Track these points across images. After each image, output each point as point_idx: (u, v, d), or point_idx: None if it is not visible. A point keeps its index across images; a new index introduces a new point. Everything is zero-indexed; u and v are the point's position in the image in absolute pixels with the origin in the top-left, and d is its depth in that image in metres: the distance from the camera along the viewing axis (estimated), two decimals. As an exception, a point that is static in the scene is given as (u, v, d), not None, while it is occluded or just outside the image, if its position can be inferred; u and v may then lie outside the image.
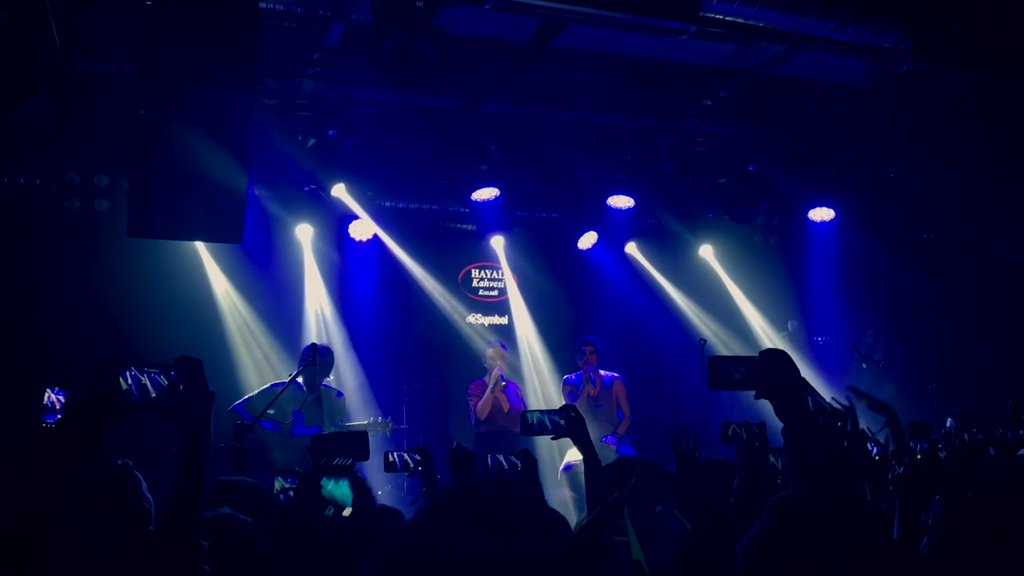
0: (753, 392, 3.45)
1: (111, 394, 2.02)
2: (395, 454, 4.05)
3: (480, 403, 7.95)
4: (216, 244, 8.09)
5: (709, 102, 8.82)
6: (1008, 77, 7.30)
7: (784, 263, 10.39)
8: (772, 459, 4.57)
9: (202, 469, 2.10)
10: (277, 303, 8.71)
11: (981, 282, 9.47)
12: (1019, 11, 6.92)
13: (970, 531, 3.28)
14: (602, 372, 8.13)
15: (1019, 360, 8.35)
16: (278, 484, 3.30)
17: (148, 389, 2.09)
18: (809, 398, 2.66)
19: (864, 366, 8.93)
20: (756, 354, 2.24)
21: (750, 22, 6.49)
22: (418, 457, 4.00)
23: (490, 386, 7.92)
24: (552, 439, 3.73)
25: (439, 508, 1.43)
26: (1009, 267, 9.25)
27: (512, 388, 8.07)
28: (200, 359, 2.15)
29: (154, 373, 2.11)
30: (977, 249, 9.48)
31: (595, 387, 8.04)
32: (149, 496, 3.99)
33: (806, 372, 9.83)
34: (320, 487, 2.45)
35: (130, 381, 2.07)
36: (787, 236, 10.36)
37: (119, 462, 4.20)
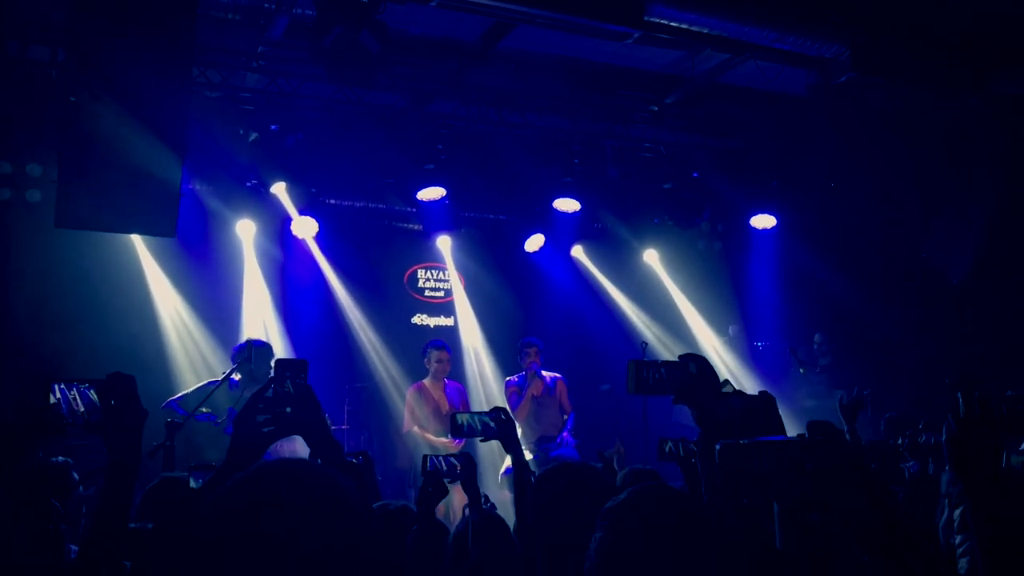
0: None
1: (43, 411, 1.91)
2: None
3: (426, 434, 7.62)
4: (153, 239, 7.89)
5: (655, 108, 8.90)
6: (939, 92, 7.52)
7: (726, 269, 10.52)
8: None
9: (129, 490, 2.00)
10: (215, 300, 8.52)
11: (916, 289, 9.71)
12: (952, 31, 7.14)
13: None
14: (544, 373, 8.10)
15: (950, 364, 8.56)
16: (193, 484, 3.09)
17: (77, 404, 1.97)
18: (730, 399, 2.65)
19: (802, 371, 9.07)
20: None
21: (694, 28, 6.57)
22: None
23: (440, 442, 7.56)
24: (481, 441, 3.66)
25: (231, 489, 1.43)
26: (938, 272, 9.50)
27: (454, 388, 7.99)
28: (133, 375, 2.03)
29: (84, 387, 1.98)
30: (911, 256, 9.72)
31: (539, 388, 8.00)
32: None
33: (746, 376, 9.92)
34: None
35: (59, 395, 1.95)
36: (730, 242, 10.48)
37: (59, 460, 4.04)
